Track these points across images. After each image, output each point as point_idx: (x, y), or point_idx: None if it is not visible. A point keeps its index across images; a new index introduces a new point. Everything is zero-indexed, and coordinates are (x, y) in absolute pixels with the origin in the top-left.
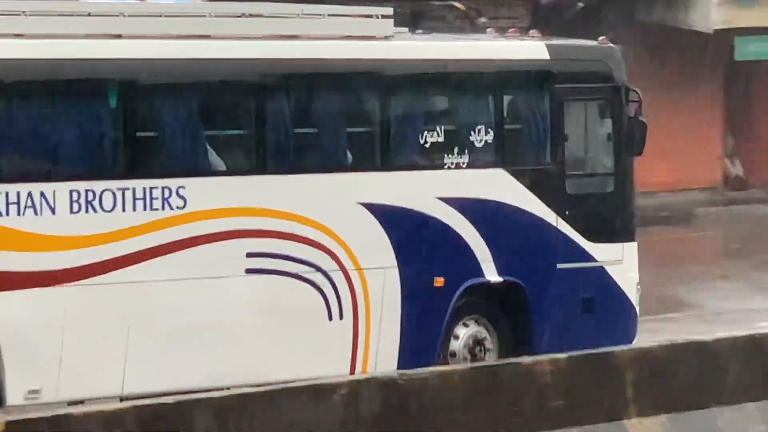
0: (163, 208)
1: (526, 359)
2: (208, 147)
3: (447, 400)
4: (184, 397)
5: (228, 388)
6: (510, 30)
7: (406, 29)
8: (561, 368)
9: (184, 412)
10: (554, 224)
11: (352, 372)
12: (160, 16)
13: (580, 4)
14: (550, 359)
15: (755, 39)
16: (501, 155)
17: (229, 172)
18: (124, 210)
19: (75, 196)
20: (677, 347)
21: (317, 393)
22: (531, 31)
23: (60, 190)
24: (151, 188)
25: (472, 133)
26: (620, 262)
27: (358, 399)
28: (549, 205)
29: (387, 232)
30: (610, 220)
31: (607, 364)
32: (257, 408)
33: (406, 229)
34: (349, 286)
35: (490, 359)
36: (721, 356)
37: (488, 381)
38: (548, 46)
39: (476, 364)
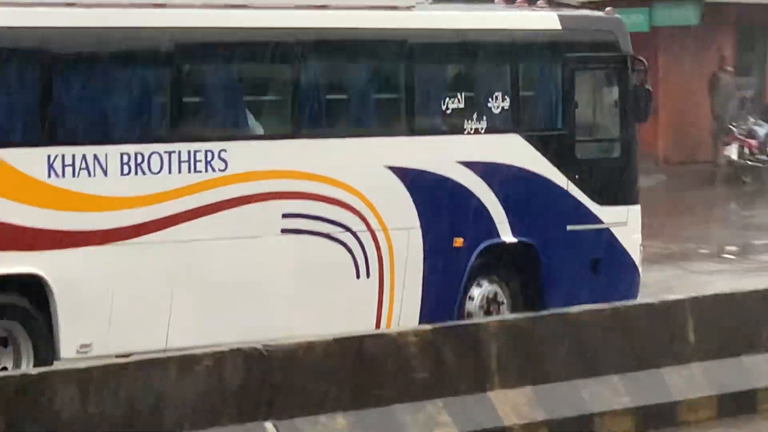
0: (205, 171)
1: (391, 331)
2: (248, 112)
3: (312, 371)
4: (47, 368)
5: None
6: (518, 1)
7: (425, 0)
8: (426, 340)
9: (47, 383)
10: (565, 188)
11: (378, 326)
12: None
13: None
14: (415, 331)
15: (624, 11)
16: (516, 121)
17: (267, 136)
18: (170, 172)
19: (125, 158)
20: (542, 319)
21: (182, 364)
22: (538, 2)
23: (111, 153)
24: (195, 151)
25: (490, 99)
26: (625, 224)
27: (222, 370)
28: (560, 169)
29: (411, 195)
30: (616, 183)
31: (472, 335)
32: (121, 379)
33: (429, 192)
34: (375, 245)
35: (504, 315)
36: (586, 328)
37: (353, 352)
38: (560, 17)
39: (340, 335)
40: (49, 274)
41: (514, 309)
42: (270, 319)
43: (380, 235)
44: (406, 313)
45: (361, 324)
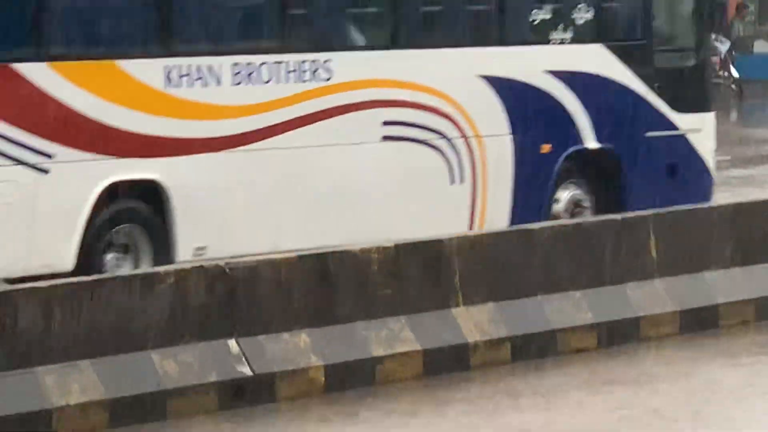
0: (311, 80)
1: (354, 248)
2: (351, 24)
3: (275, 288)
4: (10, 287)
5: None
6: None
7: None
8: (389, 256)
9: (9, 302)
10: (644, 95)
11: (471, 229)
12: None
13: None
14: (378, 248)
15: None
16: (599, 31)
17: (369, 46)
18: (278, 82)
19: (237, 69)
20: (504, 235)
21: (145, 282)
22: None
23: (225, 64)
24: (301, 62)
25: (574, 10)
26: (700, 130)
27: (185, 288)
28: (640, 78)
29: (502, 103)
30: (692, 91)
31: (435, 252)
32: (84, 298)
33: (519, 100)
34: (469, 152)
35: (588, 218)
36: (548, 244)
37: (316, 269)
38: None
39: (304, 252)
40: (167, 180)
41: (596, 211)
42: (370, 222)
43: (473, 142)
44: (496, 216)
45: (455, 227)
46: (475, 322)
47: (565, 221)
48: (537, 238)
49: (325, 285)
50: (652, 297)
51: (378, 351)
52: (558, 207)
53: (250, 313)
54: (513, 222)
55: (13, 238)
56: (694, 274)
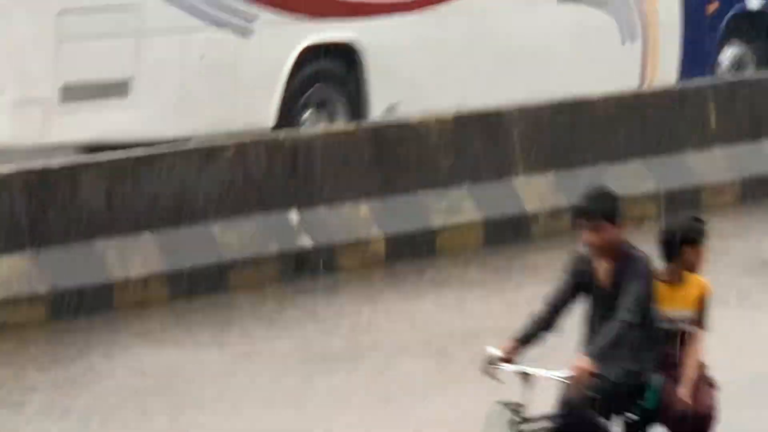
0: None
1: (413, 119)
2: None
3: (334, 159)
4: (71, 160)
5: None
6: None
7: None
8: (448, 127)
9: (71, 175)
10: None
11: (642, 85)
12: None
13: None
14: (437, 119)
15: None
16: None
17: None
18: None
19: None
20: (564, 105)
21: (205, 155)
22: None
23: None
24: None
25: None
26: None
27: (245, 160)
28: None
29: None
30: None
31: (494, 122)
32: (143, 170)
33: None
34: (640, 12)
35: (749, 74)
36: (607, 113)
37: (375, 141)
38: None
39: (363, 124)
40: (360, 41)
41: (758, 67)
42: (548, 80)
43: (644, 2)
44: (665, 74)
45: (627, 82)
46: (535, 191)
47: (625, 91)
48: (596, 107)
49: (384, 156)
50: (712, 165)
51: (438, 221)
52: (723, 65)
53: (310, 184)
54: (681, 78)
55: (217, 97)
56: (753, 142)
